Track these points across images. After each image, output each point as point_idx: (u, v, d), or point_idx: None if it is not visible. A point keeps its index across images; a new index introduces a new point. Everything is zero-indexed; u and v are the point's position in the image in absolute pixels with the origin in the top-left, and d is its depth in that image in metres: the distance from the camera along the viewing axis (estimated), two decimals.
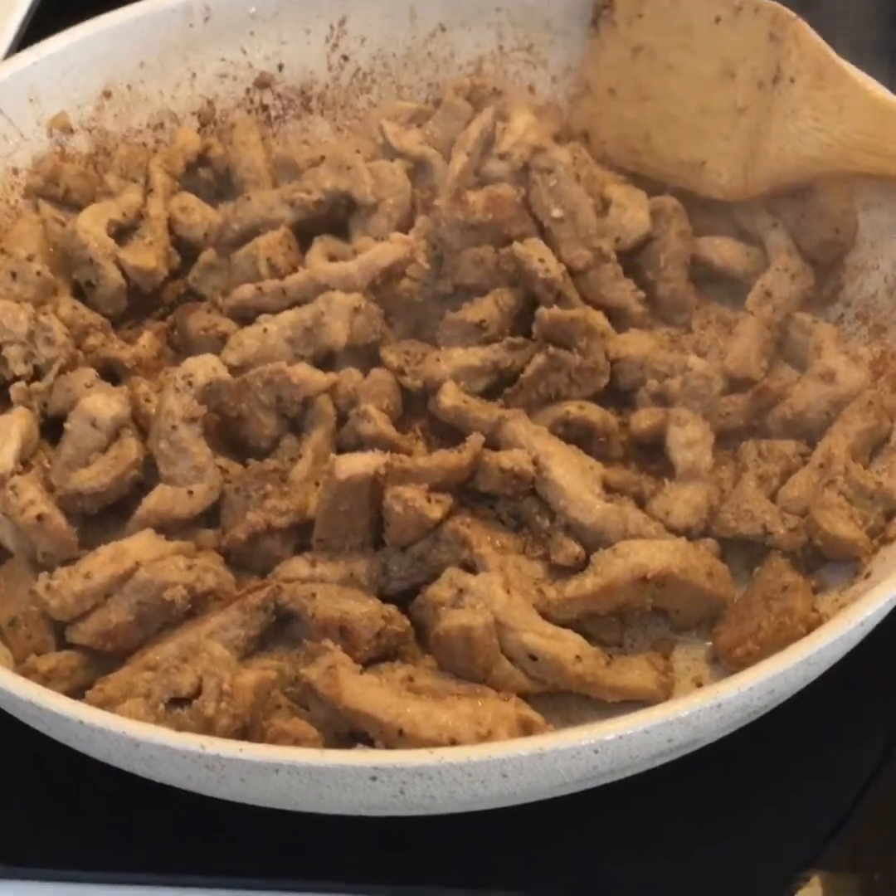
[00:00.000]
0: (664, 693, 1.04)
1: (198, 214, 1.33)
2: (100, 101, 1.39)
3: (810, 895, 1.00)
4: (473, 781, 0.88)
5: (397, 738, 0.94)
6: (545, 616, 1.04)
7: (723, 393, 1.17)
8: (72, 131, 1.37)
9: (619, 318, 1.24)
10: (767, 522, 1.10)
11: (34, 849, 1.04)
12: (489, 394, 1.18)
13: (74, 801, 1.05)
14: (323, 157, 1.30)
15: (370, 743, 0.96)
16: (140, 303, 1.30)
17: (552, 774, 0.90)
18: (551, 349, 1.16)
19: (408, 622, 1.05)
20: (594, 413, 1.17)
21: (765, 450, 1.16)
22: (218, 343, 1.20)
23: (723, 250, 1.30)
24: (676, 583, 1.05)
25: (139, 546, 1.05)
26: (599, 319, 1.20)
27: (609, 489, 1.12)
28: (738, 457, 1.17)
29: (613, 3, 1.36)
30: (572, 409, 1.16)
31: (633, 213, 1.28)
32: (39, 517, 1.06)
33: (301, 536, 1.09)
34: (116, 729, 0.89)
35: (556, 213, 1.23)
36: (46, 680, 1.01)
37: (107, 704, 0.97)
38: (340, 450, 1.12)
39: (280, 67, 1.45)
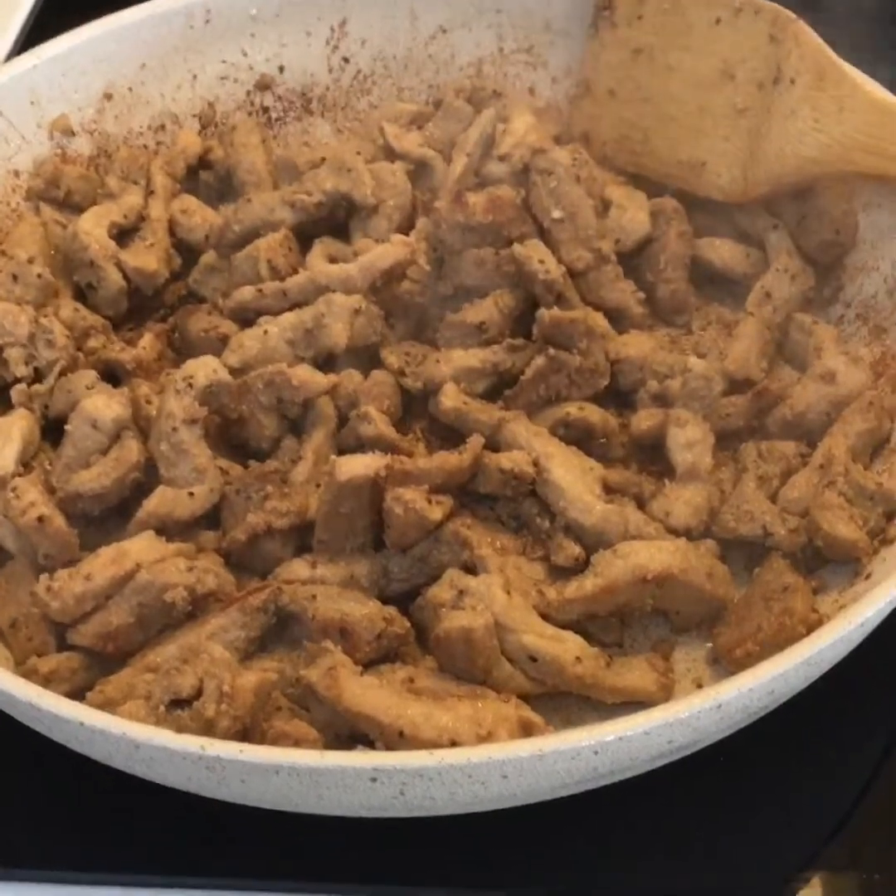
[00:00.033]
0: (664, 694, 1.04)
1: (198, 216, 1.33)
2: (101, 103, 1.39)
3: (811, 895, 1.00)
4: (473, 783, 0.89)
5: (398, 739, 0.94)
6: (545, 617, 1.04)
7: (723, 394, 1.17)
8: (73, 133, 1.37)
9: (619, 320, 1.24)
10: (767, 523, 1.10)
11: (34, 850, 1.04)
12: (489, 395, 1.18)
13: (75, 803, 1.05)
14: (323, 159, 1.30)
15: (370, 744, 0.96)
16: (141, 305, 1.31)
17: (552, 775, 0.90)
18: (551, 350, 1.16)
19: (408, 623, 1.05)
20: (594, 414, 1.17)
21: (765, 451, 1.16)
22: (218, 345, 1.20)
23: (723, 251, 1.30)
24: (676, 584, 1.05)
25: (140, 548, 1.05)
26: (599, 320, 1.20)
27: (609, 490, 1.13)
28: (738, 458, 1.17)
29: (613, 4, 1.36)
30: (572, 410, 1.16)
31: (633, 214, 1.28)
32: (40, 519, 1.06)
33: (301, 538, 1.10)
34: (117, 730, 0.90)
35: (557, 214, 1.23)
36: (47, 681, 1.01)
37: (107, 706, 0.97)
38: (341, 451, 1.12)
39: (281, 69, 1.45)
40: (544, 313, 1.16)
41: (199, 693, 0.95)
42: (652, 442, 1.17)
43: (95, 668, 1.04)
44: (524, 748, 0.88)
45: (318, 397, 1.15)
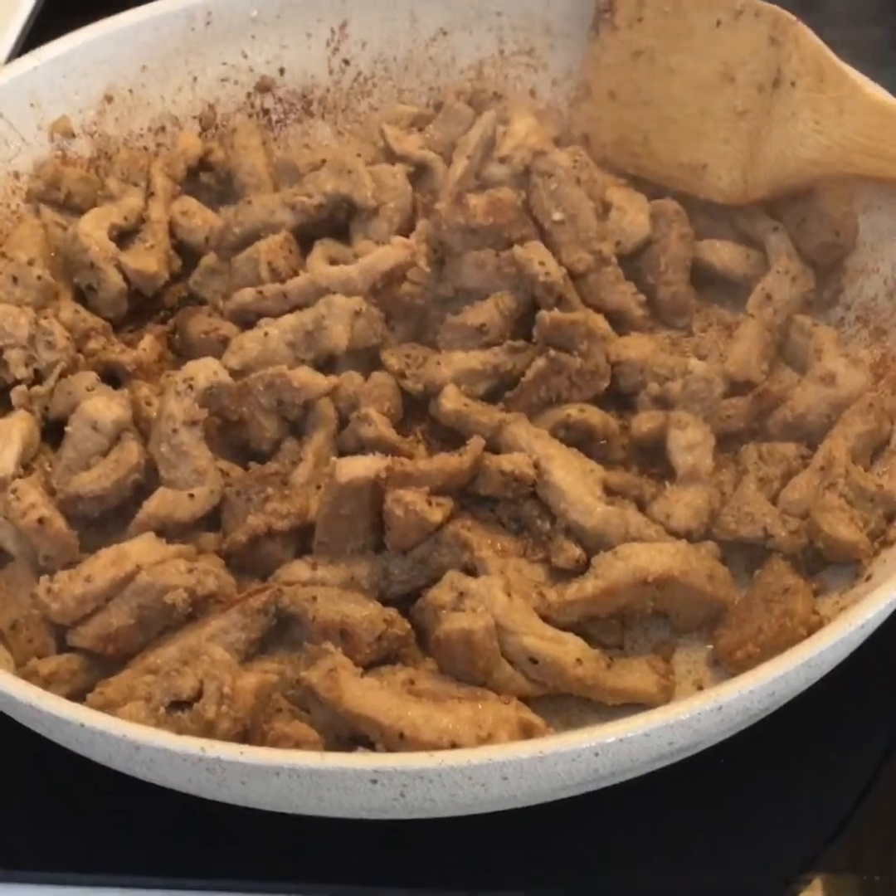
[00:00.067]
0: (665, 696, 1.04)
1: (199, 218, 1.33)
2: (101, 105, 1.39)
3: None
4: (474, 784, 0.88)
5: (398, 740, 0.94)
6: (546, 619, 1.04)
7: (723, 396, 1.17)
8: (73, 135, 1.37)
9: (619, 322, 1.24)
10: (768, 525, 1.10)
11: (35, 851, 1.04)
12: (490, 397, 1.18)
13: (75, 804, 1.05)
14: (324, 161, 1.30)
15: (371, 746, 0.96)
16: (141, 306, 1.31)
17: (553, 777, 0.90)
18: (552, 352, 1.16)
19: (408, 625, 1.05)
20: (595, 416, 1.17)
21: (765, 452, 1.16)
22: (219, 347, 1.20)
23: (723, 253, 1.31)
24: (677, 585, 1.05)
25: (140, 549, 1.05)
26: (600, 322, 1.20)
27: (610, 492, 1.13)
28: (738, 459, 1.17)
29: (614, 6, 1.36)
30: (573, 412, 1.16)
31: (633, 216, 1.28)
32: (40, 520, 1.06)
33: (302, 540, 1.09)
34: (117, 732, 0.90)
35: (557, 216, 1.23)
36: (47, 683, 1.01)
37: (107, 707, 0.97)
38: (341, 453, 1.12)
39: (281, 71, 1.45)
40: (545, 315, 1.16)
41: (199, 695, 0.95)
42: (652, 444, 1.17)
43: (96, 669, 1.04)
44: (524, 750, 0.88)
45: (318, 399, 1.15)
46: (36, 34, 1.66)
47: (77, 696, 1.00)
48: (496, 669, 1.02)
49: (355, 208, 1.29)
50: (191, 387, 1.10)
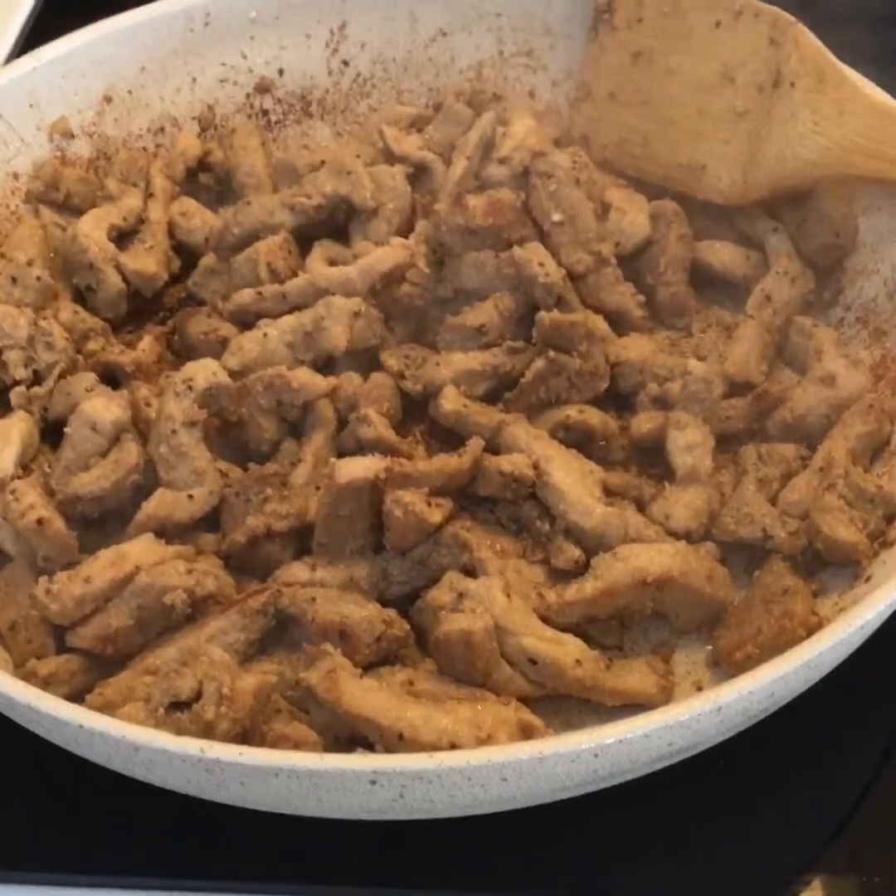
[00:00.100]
0: (664, 697, 1.04)
1: (198, 219, 1.33)
2: (100, 105, 1.39)
3: None
4: (473, 785, 0.88)
5: (397, 741, 0.94)
6: (545, 620, 1.04)
7: (723, 397, 1.17)
8: (72, 136, 1.37)
9: (619, 322, 1.24)
10: (767, 526, 1.10)
11: (34, 852, 1.04)
12: (489, 398, 1.18)
13: (74, 805, 1.05)
14: (323, 162, 1.31)
15: (370, 747, 0.96)
16: (140, 307, 1.31)
17: (552, 778, 0.90)
18: (551, 353, 1.16)
19: (408, 626, 1.05)
20: (594, 417, 1.17)
21: (765, 453, 1.16)
22: (218, 347, 1.20)
23: (723, 254, 1.31)
24: (676, 586, 1.05)
25: (139, 550, 1.05)
26: (599, 323, 1.20)
27: (609, 493, 1.13)
28: (738, 460, 1.17)
29: (613, 7, 1.36)
30: (572, 412, 1.16)
31: (633, 217, 1.28)
32: (39, 521, 1.06)
33: (301, 540, 1.09)
34: (116, 733, 0.89)
35: (556, 217, 1.23)
36: (46, 684, 1.01)
37: (106, 708, 0.97)
38: (341, 454, 1.12)
39: (280, 72, 1.45)
40: (544, 316, 1.16)
41: (198, 695, 0.95)
42: (652, 445, 1.17)
43: (95, 670, 1.04)
44: (524, 751, 0.88)
45: (317, 400, 1.15)
46: (35, 35, 1.66)
47: (76, 696, 1.00)
48: (495, 670, 1.02)
49: (354, 209, 1.29)
50: (190, 388, 1.10)
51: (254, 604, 1.03)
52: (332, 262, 1.26)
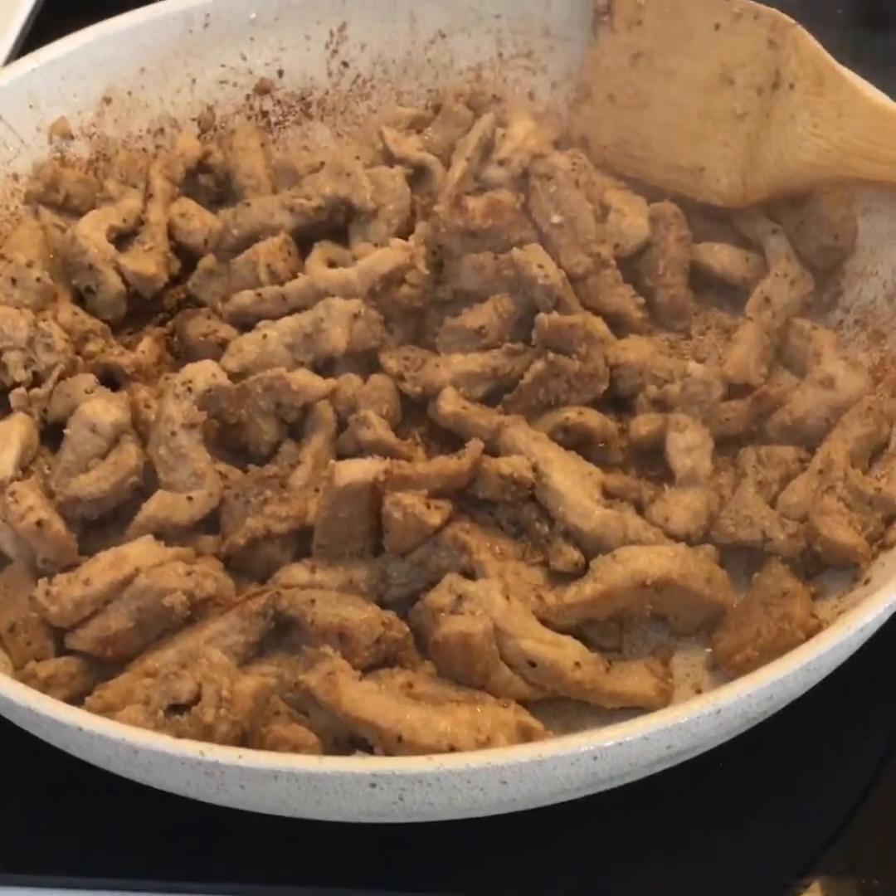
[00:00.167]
0: (663, 699, 1.04)
1: (197, 220, 1.33)
2: (100, 106, 1.39)
3: None
4: (472, 788, 0.88)
5: (396, 744, 0.94)
6: (544, 622, 1.04)
7: (722, 399, 1.17)
8: (72, 137, 1.37)
9: (618, 324, 1.24)
10: (767, 528, 1.10)
11: (32, 854, 1.04)
12: (489, 400, 1.18)
13: (73, 807, 1.04)
14: (323, 163, 1.30)
15: (369, 749, 0.96)
16: (140, 309, 1.31)
17: (551, 781, 0.90)
18: (551, 355, 1.16)
19: (407, 628, 1.05)
20: (593, 419, 1.17)
21: (764, 455, 1.16)
22: (217, 349, 1.20)
23: (722, 256, 1.31)
24: (676, 589, 1.05)
25: (139, 552, 1.05)
26: (599, 325, 1.20)
27: (608, 495, 1.12)
28: (737, 463, 1.17)
29: (613, 9, 1.36)
30: (571, 414, 1.16)
31: (632, 219, 1.28)
32: (39, 523, 1.06)
33: (301, 542, 1.09)
34: (115, 736, 0.90)
35: (556, 219, 1.23)
36: (45, 686, 1.01)
37: (106, 711, 0.97)
38: (340, 456, 1.12)
39: (280, 73, 1.45)
40: (543, 318, 1.16)
41: (197, 698, 0.95)
42: (651, 447, 1.17)
43: (94, 672, 1.04)
44: (523, 754, 0.88)
45: (317, 402, 1.15)
46: (35, 36, 1.66)
47: (75, 699, 1.00)
48: (495, 672, 1.02)
49: (354, 210, 1.29)
50: (189, 389, 1.10)
51: (253, 606, 1.03)
52: (332, 264, 1.26)
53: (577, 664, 1.02)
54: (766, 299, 1.25)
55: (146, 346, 1.24)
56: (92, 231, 1.28)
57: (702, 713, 0.90)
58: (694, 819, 1.03)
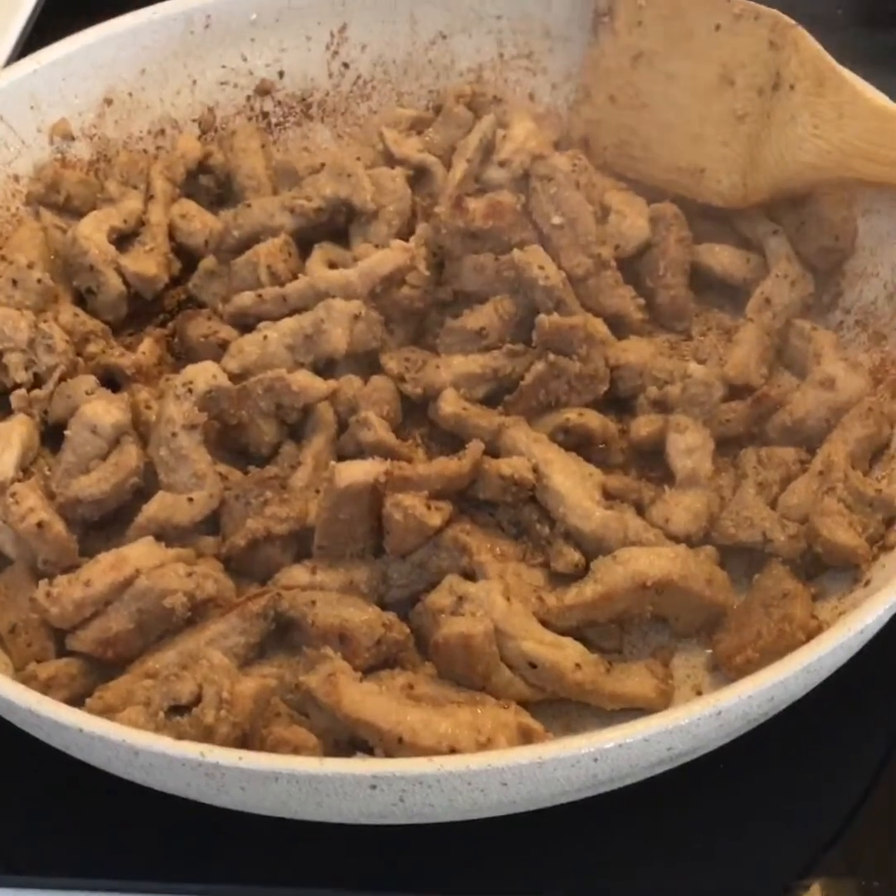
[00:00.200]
0: (664, 701, 1.04)
1: (198, 221, 1.33)
2: (101, 107, 1.39)
3: None
4: (473, 790, 0.88)
5: (397, 746, 0.94)
6: (545, 623, 1.04)
7: (723, 400, 1.17)
8: (73, 138, 1.38)
9: (618, 325, 1.24)
10: (767, 529, 1.10)
11: (33, 855, 1.04)
12: (489, 401, 1.18)
13: (73, 808, 1.05)
14: (323, 164, 1.30)
15: (370, 751, 0.96)
16: (140, 310, 1.31)
17: (552, 783, 0.90)
18: (551, 356, 1.16)
19: (407, 629, 1.05)
20: (594, 420, 1.17)
21: (764, 457, 1.16)
22: (218, 350, 1.20)
23: (722, 257, 1.31)
24: (676, 590, 1.05)
25: (139, 553, 1.05)
26: (599, 326, 1.20)
27: (609, 496, 1.13)
28: (737, 464, 1.17)
29: (613, 10, 1.35)
30: (572, 416, 1.16)
31: (632, 220, 1.28)
32: (40, 524, 1.06)
33: (301, 544, 1.09)
34: (116, 737, 0.90)
35: (556, 220, 1.23)
36: (46, 687, 1.01)
37: (106, 712, 0.97)
38: (341, 457, 1.12)
39: (280, 74, 1.45)
40: (544, 319, 1.16)
41: (198, 699, 0.95)
42: (651, 448, 1.17)
43: (95, 674, 1.04)
44: (524, 755, 0.88)
45: (317, 403, 1.15)
46: (35, 37, 1.66)
47: (76, 700, 1.00)
48: (495, 674, 1.02)
49: (354, 212, 1.29)
50: (190, 390, 1.10)
51: (254, 607, 1.03)
52: (333, 265, 1.26)
53: (578, 665, 1.02)
54: (767, 300, 1.25)
55: (147, 347, 1.24)
56: (93, 232, 1.28)
57: (702, 715, 0.90)
58: (694, 820, 1.03)
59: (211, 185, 1.39)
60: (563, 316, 1.17)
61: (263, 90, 1.45)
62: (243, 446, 1.16)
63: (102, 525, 1.11)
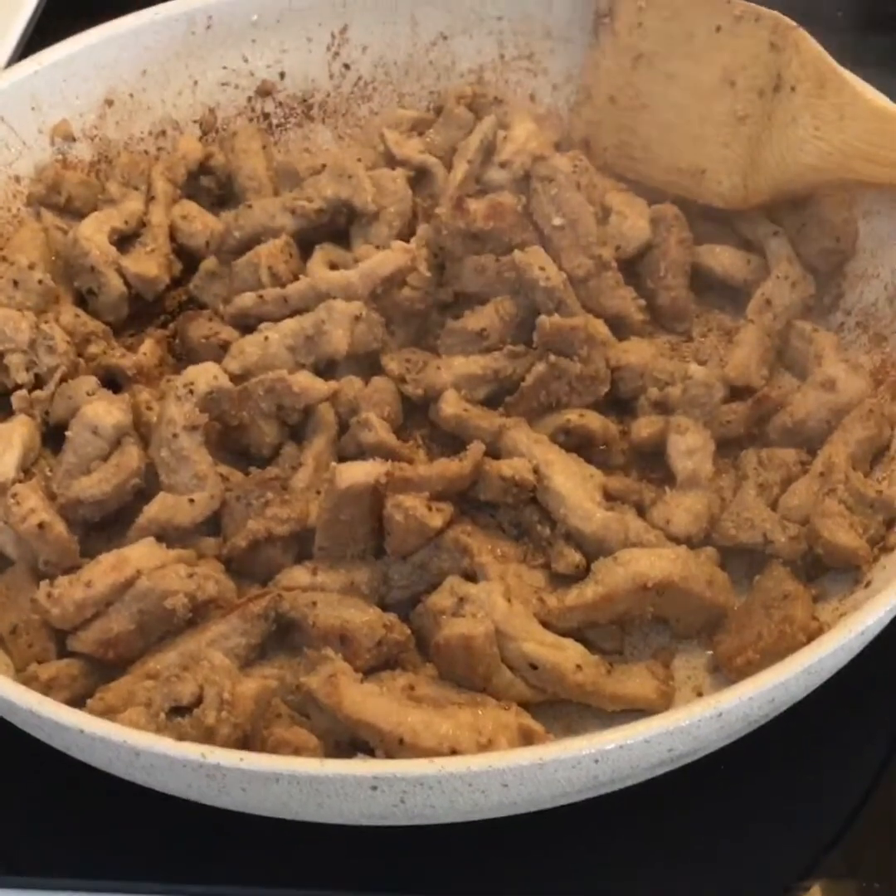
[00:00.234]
0: (664, 702, 1.04)
1: (199, 222, 1.33)
2: (102, 109, 1.39)
3: None
4: (474, 791, 0.88)
5: (398, 747, 0.94)
6: (546, 625, 1.04)
7: (723, 401, 1.17)
8: (74, 139, 1.38)
9: (619, 327, 1.24)
10: (768, 531, 1.10)
11: (34, 856, 1.05)
12: (490, 402, 1.18)
13: (74, 809, 1.05)
14: (324, 166, 1.31)
15: (371, 752, 0.96)
16: (141, 311, 1.31)
17: (552, 784, 0.90)
18: (552, 357, 1.16)
19: (408, 630, 1.05)
20: (595, 421, 1.17)
21: (765, 458, 1.16)
22: (219, 351, 1.20)
23: (723, 258, 1.31)
24: (677, 591, 1.05)
25: (140, 554, 1.05)
26: (600, 327, 1.20)
27: (609, 497, 1.13)
28: (738, 465, 1.17)
29: (614, 11, 1.36)
30: (573, 417, 1.16)
31: (633, 221, 1.28)
32: (41, 525, 1.06)
33: (302, 545, 1.09)
34: (117, 738, 0.90)
35: (557, 221, 1.23)
36: (47, 688, 1.01)
37: (108, 713, 0.97)
38: (342, 458, 1.12)
39: (282, 75, 1.45)
40: (545, 320, 1.16)
41: (199, 700, 0.95)
42: (652, 449, 1.17)
43: (96, 674, 1.04)
44: (524, 757, 0.88)
45: (318, 404, 1.15)
46: (36, 38, 1.66)
47: (77, 701, 1.00)
48: (496, 675, 1.02)
49: (355, 213, 1.29)
50: (191, 391, 1.10)
51: (255, 608, 1.04)
52: (333, 266, 1.26)
53: (579, 667, 1.02)
54: (768, 301, 1.25)
55: (148, 348, 1.24)
56: (94, 233, 1.28)
57: (703, 716, 0.90)
58: (695, 822, 1.03)
59: (212, 186, 1.39)
60: (563, 317, 1.17)
61: (264, 91, 1.45)
62: (244, 447, 1.16)
63: (103, 526, 1.11)
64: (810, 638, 1.00)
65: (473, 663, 1.01)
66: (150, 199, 1.33)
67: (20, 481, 1.10)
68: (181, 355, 1.26)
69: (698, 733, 0.91)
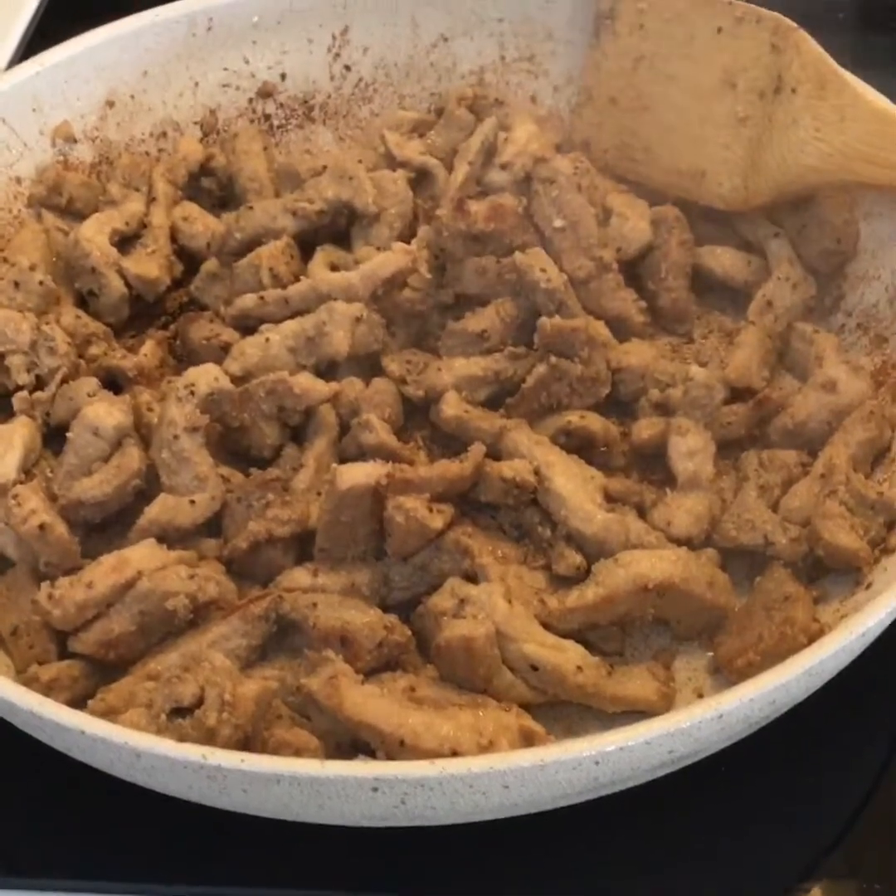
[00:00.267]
0: (665, 703, 1.04)
1: (200, 224, 1.33)
2: (103, 110, 1.39)
3: None
4: (474, 792, 0.88)
5: (398, 748, 0.94)
6: (546, 626, 1.04)
7: (724, 402, 1.17)
8: (75, 141, 1.38)
9: (620, 328, 1.24)
10: (768, 532, 1.10)
11: (35, 857, 1.04)
12: (491, 403, 1.18)
13: (75, 810, 1.05)
14: (325, 167, 1.31)
15: (371, 753, 0.96)
16: (142, 312, 1.31)
17: (553, 785, 0.90)
18: (553, 359, 1.16)
19: (409, 632, 1.05)
20: (595, 423, 1.17)
21: (766, 459, 1.16)
22: (220, 352, 1.20)
23: (724, 260, 1.31)
24: (677, 593, 1.05)
25: (141, 555, 1.05)
26: (601, 329, 1.20)
27: (610, 499, 1.13)
28: (739, 466, 1.17)
29: (615, 13, 1.36)
30: (574, 418, 1.16)
31: (634, 222, 1.28)
32: (41, 527, 1.06)
33: (303, 546, 1.09)
34: (118, 739, 0.90)
35: (558, 222, 1.23)
36: (48, 689, 1.01)
37: (108, 714, 0.97)
38: (342, 459, 1.12)
39: (282, 77, 1.45)
40: (546, 322, 1.16)
41: (200, 701, 0.95)
42: (653, 451, 1.17)
43: (97, 676, 1.04)
44: (525, 758, 0.88)
45: (319, 405, 1.15)
46: (37, 39, 1.66)
47: (78, 702, 1.01)
48: (497, 676, 1.02)
49: (356, 214, 1.29)
50: (192, 393, 1.10)
51: (255, 609, 1.04)
52: (334, 268, 1.26)
53: (579, 668, 1.02)
54: (768, 303, 1.25)
55: (148, 350, 1.24)
56: (95, 234, 1.28)
57: (704, 718, 0.90)
58: (695, 823, 1.03)
59: (213, 187, 1.39)
60: (564, 318, 1.17)
61: (265, 93, 1.45)
62: (245, 449, 1.16)
63: (104, 527, 1.11)
64: (811, 639, 1.00)
65: (474, 665, 1.01)
66: (151, 200, 1.33)
67: (21, 482, 1.10)
68: (182, 357, 1.26)
69: (699, 735, 0.91)
